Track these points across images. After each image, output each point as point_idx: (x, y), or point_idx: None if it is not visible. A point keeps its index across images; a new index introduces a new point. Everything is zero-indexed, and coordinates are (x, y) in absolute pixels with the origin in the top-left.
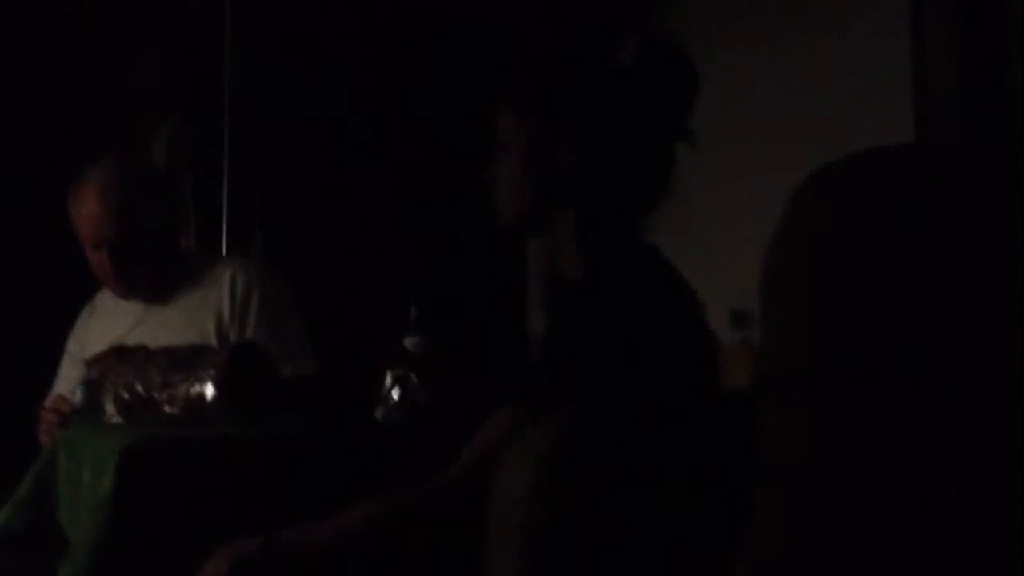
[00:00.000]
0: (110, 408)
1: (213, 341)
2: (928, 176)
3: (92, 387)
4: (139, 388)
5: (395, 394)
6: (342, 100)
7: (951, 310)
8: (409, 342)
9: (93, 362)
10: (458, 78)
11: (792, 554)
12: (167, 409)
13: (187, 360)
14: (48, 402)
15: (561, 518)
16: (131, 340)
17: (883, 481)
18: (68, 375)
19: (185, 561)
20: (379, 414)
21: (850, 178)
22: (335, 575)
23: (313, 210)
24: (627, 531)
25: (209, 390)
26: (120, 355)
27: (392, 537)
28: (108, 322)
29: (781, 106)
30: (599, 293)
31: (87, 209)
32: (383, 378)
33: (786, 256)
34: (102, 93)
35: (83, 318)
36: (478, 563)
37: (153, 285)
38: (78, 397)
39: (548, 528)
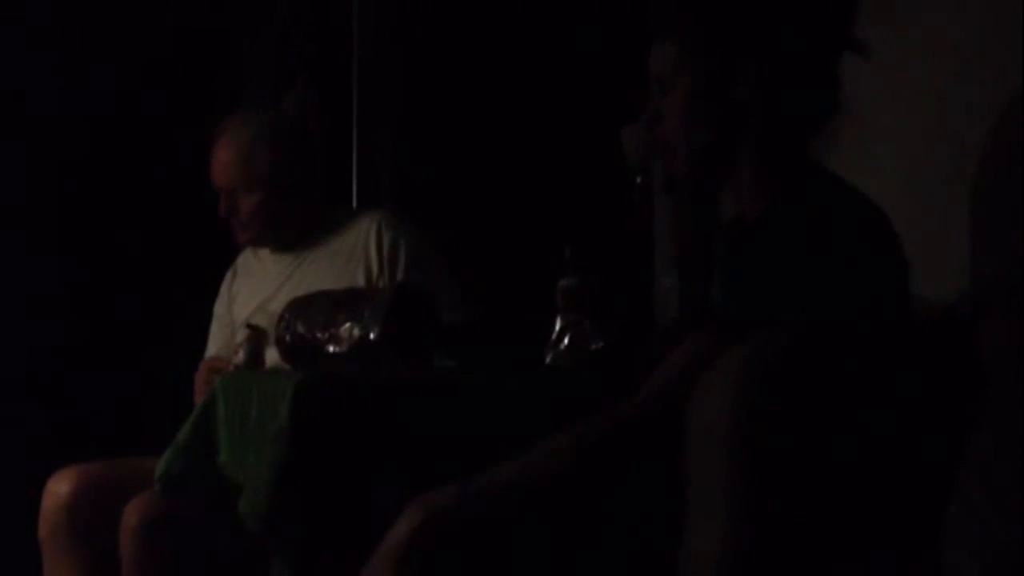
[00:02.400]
0: (271, 355)
1: None
2: None
3: (255, 341)
4: (301, 329)
5: (566, 339)
6: (474, 42)
7: None
8: (566, 283)
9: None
10: (598, 10)
11: None
12: (331, 349)
13: (349, 301)
14: (203, 365)
15: (760, 445)
16: (279, 298)
17: None
18: (218, 337)
19: (361, 494)
20: (549, 359)
21: None
22: (531, 516)
23: (446, 162)
24: (827, 458)
25: (374, 330)
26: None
27: (585, 470)
28: (254, 282)
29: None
30: (787, 224)
31: (215, 157)
32: (544, 321)
33: (1002, 176)
34: (227, 57)
35: (227, 281)
36: (670, 492)
37: (293, 237)
38: (241, 356)
39: (748, 455)
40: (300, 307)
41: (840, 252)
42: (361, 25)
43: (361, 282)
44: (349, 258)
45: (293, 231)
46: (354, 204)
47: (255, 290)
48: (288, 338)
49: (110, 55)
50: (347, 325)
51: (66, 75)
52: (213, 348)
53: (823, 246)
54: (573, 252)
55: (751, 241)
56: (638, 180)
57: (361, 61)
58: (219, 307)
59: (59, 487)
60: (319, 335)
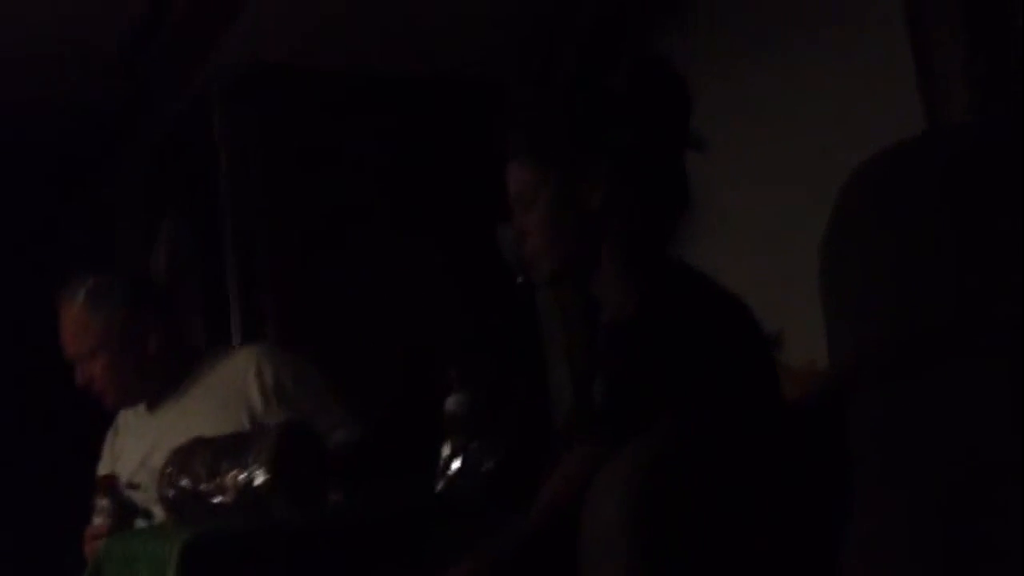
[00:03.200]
0: (157, 511)
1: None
2: (974, 151)
3: (110, 491)
4: (184, 483)
5: (455, 464)
6: (343, 176)
7: None
8: (452, 402)
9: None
10: (458, 141)
11: (918, 543)
12: (217, 500)
13: (231, 447)
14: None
15: (655, 539)
16: (161, 450)
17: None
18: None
19: None
20: (440, 486)
21: (903, 163)
22: None
23: (327, 293)
24: (719, 545)
25: (260, 475)
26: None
27: None
28: (135, 439)
29: (786, 109)
30: (655, 323)
31: (61, 330)
32: (431, 442)
33: (853, 247)
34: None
35: (108, 441)
36: None
37: (159, 389)
38: (102, 514)
39: (644, 549)
40: (182, 458)
41: (706, 346)
42: (229, 153)
43: (246, 423)
44: (228, 400)
45: (155, 384)
46: (237, 335)
47: (136, 447)
48: (171, 494)
49: None
50: (232, 473)
51: None
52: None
53: (690, 344)
54: (457, 371)
55: (625, 342)
56: (519, 280)
57: (232, 190)
58: (102, 470)
59: None
60: (202, 487)
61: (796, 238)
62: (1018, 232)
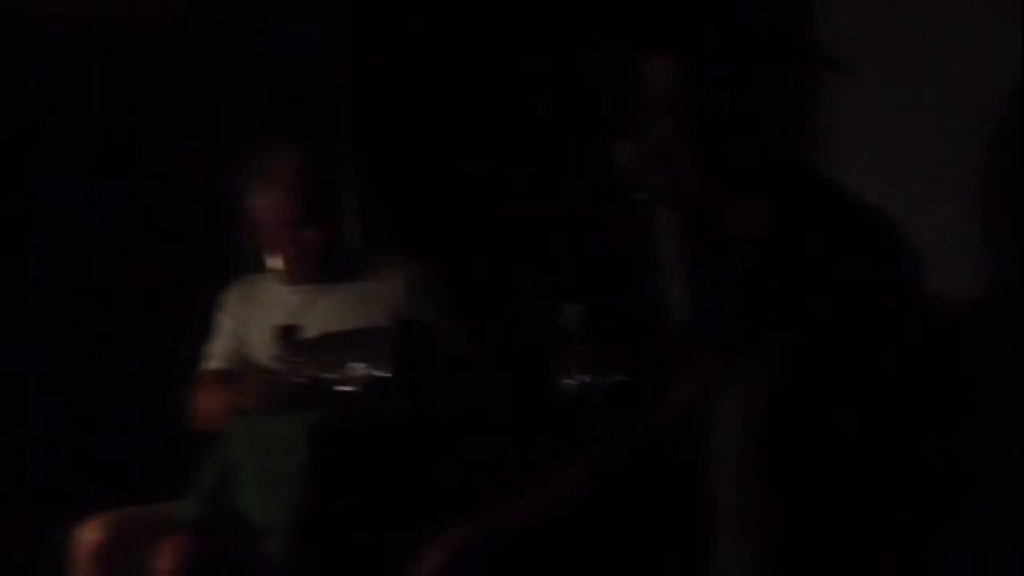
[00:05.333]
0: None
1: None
2: None
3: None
4: (310, 371)
5: (573, 370)
6: (469, 92)
7: None
8: (572, 311)
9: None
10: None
11: None
12: (340, 388)
13: (357, 341)
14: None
15: (781, 455)
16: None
17: None
18: (225, 350)
19: (379, 533)
20: (559, 390)
21: None
22: (552, 548)
23: (447, 202)
24: (845, 464)
25: (381, 367)
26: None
27: (603, 497)
28: (268, 310)
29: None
30: (798, 241)
31: (283, 189)
32: (551, 356)
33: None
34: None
35: (232, 299)
36: (690, 513)
37: (327, 270)
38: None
39: (771, 467)
40: (308, 349)
41: (854, 264)
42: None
43: (381, 320)
44: (371, 296)
45: (328, 263)
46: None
47: (268, 317)
48: (298, 379)
49: None
50: (356, 365)
51: None
52: (219, 354)
53: (827, 260)
54: (575, 280)
55: (758, 256)
56: (637, 196)
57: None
58: (226, 321)
59: (88, 535)
60: (327, 375)
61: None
62: None
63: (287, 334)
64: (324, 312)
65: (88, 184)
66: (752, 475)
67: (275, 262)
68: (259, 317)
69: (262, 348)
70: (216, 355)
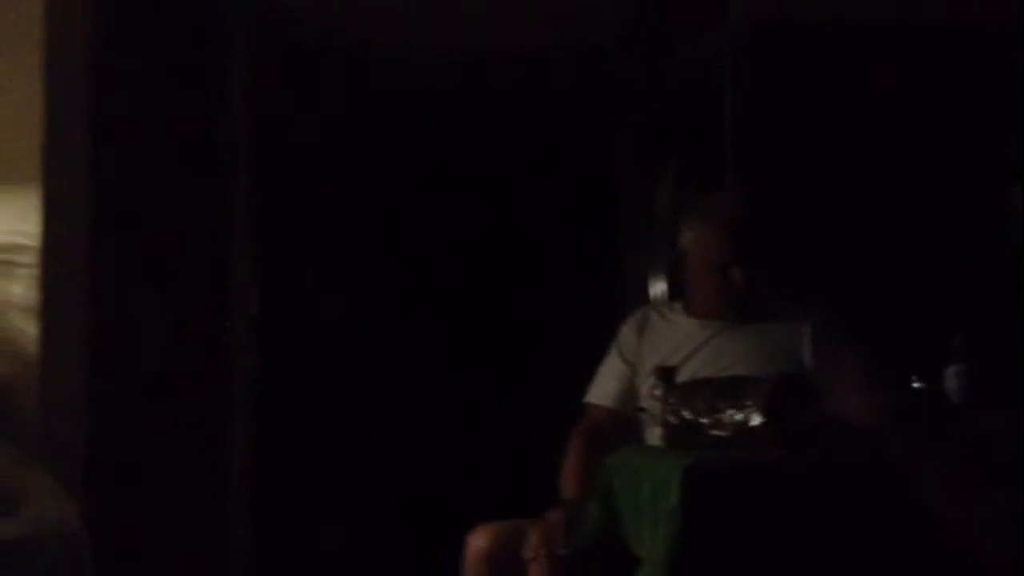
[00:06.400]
0: (656, 431)
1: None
2: None
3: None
4: (686, 414)
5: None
6: (848, 128)
7: None
8: (953, 371)
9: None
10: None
11: None
12: (713, 433)
13: (731, 389)
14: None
15: None
16: (692, 361)
17: None
18: (613, 383)
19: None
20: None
21: None
22: None
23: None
24: None
25: (755, 417)
26: (667, 384)
27: None
28: (672, 340)
29: None
30: None
31: (722, 230)
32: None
33: None
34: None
35: (631, 331)
36: None
37: (740, 309)
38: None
39: None
40: (685, 393)
41: None
42: (734, 93)
43: (769, 366)
44: (775, 344)
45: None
46: None
47: (670, 345)
48: (673, 420)
49: None
50: (729, 412)
51: None
52: (606, 392)
53: None
54: (963, 338)
55: None
56: None
57: (735, 137)
58: (626, 352)
59: (478, 542)
60: (702, 420)
61: None
62: None
63: (666, 375)
64: (729, 348)
65: None
66: None
67: (692, 295)
68: (658, 344)
69: (648, 380)
70: (604, 393)
